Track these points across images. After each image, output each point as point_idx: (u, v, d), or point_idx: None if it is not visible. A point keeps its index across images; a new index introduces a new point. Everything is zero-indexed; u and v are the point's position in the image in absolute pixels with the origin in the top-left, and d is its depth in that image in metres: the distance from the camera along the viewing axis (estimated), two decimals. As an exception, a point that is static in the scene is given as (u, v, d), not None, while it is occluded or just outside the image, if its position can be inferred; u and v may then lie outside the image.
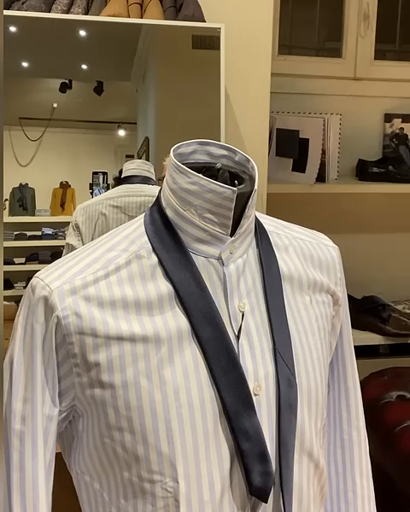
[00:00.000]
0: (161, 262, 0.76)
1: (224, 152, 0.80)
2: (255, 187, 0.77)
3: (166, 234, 0.77)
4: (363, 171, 2.22)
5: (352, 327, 0.97)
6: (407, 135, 2.31)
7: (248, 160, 0.79)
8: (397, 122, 2.30)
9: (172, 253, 0.76)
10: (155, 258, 0.76)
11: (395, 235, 2.38)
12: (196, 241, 0.76)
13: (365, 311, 2.13)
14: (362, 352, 1.93)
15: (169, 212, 0.78)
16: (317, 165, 2.00)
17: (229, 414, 0.72)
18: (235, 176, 0.80)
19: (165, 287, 0.75)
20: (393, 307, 2.23)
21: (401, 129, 2.31)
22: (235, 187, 0.75)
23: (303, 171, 2.03)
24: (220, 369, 0.73)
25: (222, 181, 0.76)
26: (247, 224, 0.78)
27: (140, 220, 0.81)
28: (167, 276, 0.75)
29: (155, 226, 0.78)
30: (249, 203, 0.77)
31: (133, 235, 0.79)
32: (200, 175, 0.75)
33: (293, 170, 2.07)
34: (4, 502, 0.74)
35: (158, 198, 0.82)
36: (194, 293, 0.74)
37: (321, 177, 2.02)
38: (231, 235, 0.77)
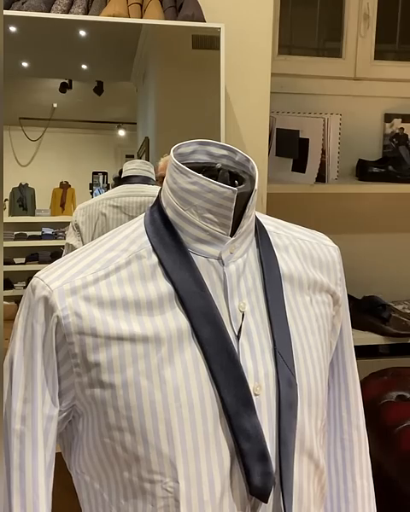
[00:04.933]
0: (161, 262, 0.76)
1: (224, 152, 0.80)
2: (256, 187, 0.77)
3: (166, 234, 0.77)
4: (363, 171, 2.22)
5: (352, 327, 0.97)
6: (407, 135, 2.31)
7: (249, 160, 0.79)
8: (397, 122, 2.30)
9: (172, 253, 0.76)
10: (155, 258, 0.76)
11: (395, 235, 2.38)
12: (197, 241, 0.76)
13: (365, 311, 2.13)
14: (362, 351, 1.92)
15: (169, 212, 0.78)
16: (317, 165, 2.00)
17: (229, 414, 0.72)
18: (235, 176, 0.80)
19: (165, 287, 0.75)
20: (393, 307, 2.23)
21: (401, 129, 2.31)
22: (235, 187, 0.75)
23: (303, 171, 2.03)
24: (220, 368, 0.73)
25: (222, 181, 0.76)
26: (247, 223, 0.78)
27: (140, 220, 0.81)
28: (167, 276, 0.75)
29: (155, 226, 0.78)
30: (249, 203, 0.77)
31: (133, 235, 0.79)
32: (200, 175, 0.75)
33: (293, 170, 2.07)
34: (4, 502, 0.74)
35: (158, 198, 0.82)
36: (194, 293, 0.74)
37: (321, 177, 2.02)
38: (232, 235, 0.77)
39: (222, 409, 0.73)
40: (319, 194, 2.09)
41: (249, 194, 0.77)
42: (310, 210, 2.14)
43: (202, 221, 0.76)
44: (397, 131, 2.31)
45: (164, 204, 0.79)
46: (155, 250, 0.77)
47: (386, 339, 2.10)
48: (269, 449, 0.75)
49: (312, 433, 0.80)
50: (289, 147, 2.06)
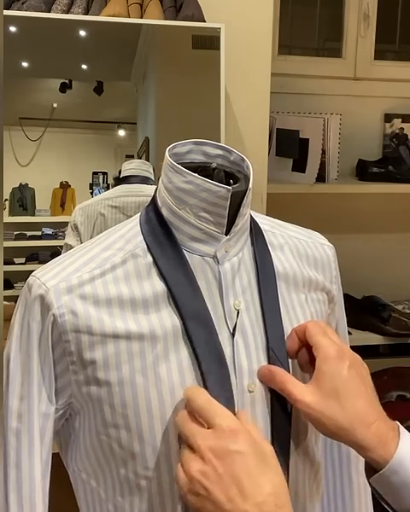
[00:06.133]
0: (155, 261, 0.76)
1: (219, 152, 0.81)
2: (250, 186, 0.77)
3: (160, 233, 0.78)
4: (363, 171, 2.22)
5: (352, 327, 0.97)
6: (407, 135, 2.31)
7: (244, 160, 0.79)
8: (397, 122, 2.30)
9: (166, 252, 0.76)
10: (150, 257, 0.77)
11: (395, 235, 2.37)
12: (192, 240, 0.77)
13: (365, 311, 2.13)
14: (362, 351, 1.92)
15: (165, 212, 0.78)
16: (317, 165, 2.00)
17: None
18: (230, 175, 0.80)
19: (160, 285, 0.75)
20: (393, 307, 2.23)
21: (401, 129, 2.31)
22: (230, 186, 0.75)
23: (303, 171, 2.03)
24: (209, 368, 0.73)
25: (217, 180, 0.76)
26: (242, 222, 0.79)
27: (136, 219, 0.82)
28: (161, 274, 0.75)
29: (150, 225, 0.79)
30: (244, 202, 0.77)
31: (129, 234, 0.79)
32: (195, 174, 0.75)
33: (293, 170, 2.07)
34: (1, 499, 0.74)
35: (153, 197, 0.82)
36: (186, 293, 0.74)
37: (321, 177, 2.02)
38: (227, 234, 0.77)
39: None
40: (319, 194, 2.09)
41: (244, 193, 0.77)
42: (310, 210, 2.14)
43: (197, 220, 0.76)
44: (397, 131, 2.31)
45: (160, 203, 0.80)
46: (149, 249, 0.77)
47: (386, 339, 2.10)
48: None
49: (307, 429, 0.81)
50: (289, 147, 2.06)
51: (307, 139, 2.01)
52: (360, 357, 0.76)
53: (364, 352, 1.97)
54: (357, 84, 2.27)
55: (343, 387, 0.70)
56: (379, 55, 2.30)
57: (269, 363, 0.77)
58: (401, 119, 2.30)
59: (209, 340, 0.74)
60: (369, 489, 0.96)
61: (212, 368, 0.73)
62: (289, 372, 0.78)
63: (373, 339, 2.10)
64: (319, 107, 2.14)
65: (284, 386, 0.72)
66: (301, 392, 0.71)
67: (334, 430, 0.70)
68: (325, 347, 0.73)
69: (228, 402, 0.73)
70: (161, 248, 0.76)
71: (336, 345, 0.74)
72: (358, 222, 2.32)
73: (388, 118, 2.31)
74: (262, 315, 0.79)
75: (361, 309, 2.12)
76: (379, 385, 2.03)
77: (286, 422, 0.77)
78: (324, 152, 2.01)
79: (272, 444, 0.75)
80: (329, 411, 0.69)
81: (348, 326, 1.00)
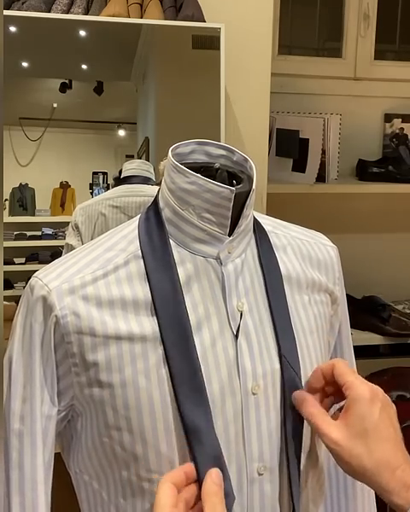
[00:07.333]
0: (144, 263, 0.75)
1: (222, 152, 0.80)
2: (253, 186, 0.77)
3: (155, 235, 0.77)
4: (363, 171, 2.21)
5: (352, 327, 0.96)
6: (407, 135, 2.31)
7: (247, 160, 0.79)
8: (397, 122, 2.30)
9: (156, 255, 0.75)
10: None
11: (395, 235, 2.37)
12: (195, 241, 0.76)
13: (365, 311, 2.13)
14: (362, 351, 1.91)
15: (167, 212, 0.78)
16: (317, 165, 1.99)
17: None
18: (233, 175, 0.80)
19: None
20: (393, 307, 2.23)
21: (401, 129, 2.31)
22: (233, 187, 0.75)
23: (303, 171, 2.03)
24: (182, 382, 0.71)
25: (220, 181, 0.76)
26: (245, 223, 0.78)
27: (138, 220, 0.81)
28: (148, 278, 0.74)
29: (147, 226, 0.78)
30: (247, 203, 0.77)
31: (131, 235, 0.79)
32: (198, 175, 0.75)
33: (293, 170, 2.06)
34: (3, 501, 0.74)
35: (155, 198, 0.82)
36: (167, 298, 0.73)
37: (321, 177, 2.02)
38: (230, 235, 0.77)
39: None
40: (319, 194, 2.09)
41: (247, 194, 0.77)
42: (310, 210, 2.14)
43: (200, 221, 0.76)
44: (397, 131, 2.31)
45: (162, 204, 0.79)
46: (142, 251, 0.76)
47: (386, 339, 2.10)
48: (268, 449, 0.75)
49: (311, 431, 0.80)
50: (289, 147, 2.06)
51: (307, 139, 2.01)
52: (389, 398, 0.73)
53: (364, 352, 1.98)
54: (357, 84, 2.27)
55: (373, 429, 0.68)
56: (379, 55, 2.29)
57: (281, 369, 0.77)
58: (401, 119, 2.30)
59: (181, 343, 0.72)
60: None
61: (184, 379, 0.71)
62: (298, 376, 0.78)
63: (373, 339, 2.10)
64: (319, 107, 2.14)
65: (313, 418, 0.71)
66: (329, 427, 0.69)
67: (358, 470, 0.67)
68: (357, 387, 0.70)
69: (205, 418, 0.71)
70: (152, 251, 0.76)
71: (368, 385, 0.72)
72: (358, 222, 2.32)
73: (388, 118, 2.31)
74: (271, 318, 0.79)
75: (361, 309, 2.12)
76: (379, 385, 2.03)
77: (298, 424, 0.76)
78: (324, 152, 2.01)
79: (285, 446, 0.75)
80: (355, 451, 0.67)
81: (348, 326, 1.00)
